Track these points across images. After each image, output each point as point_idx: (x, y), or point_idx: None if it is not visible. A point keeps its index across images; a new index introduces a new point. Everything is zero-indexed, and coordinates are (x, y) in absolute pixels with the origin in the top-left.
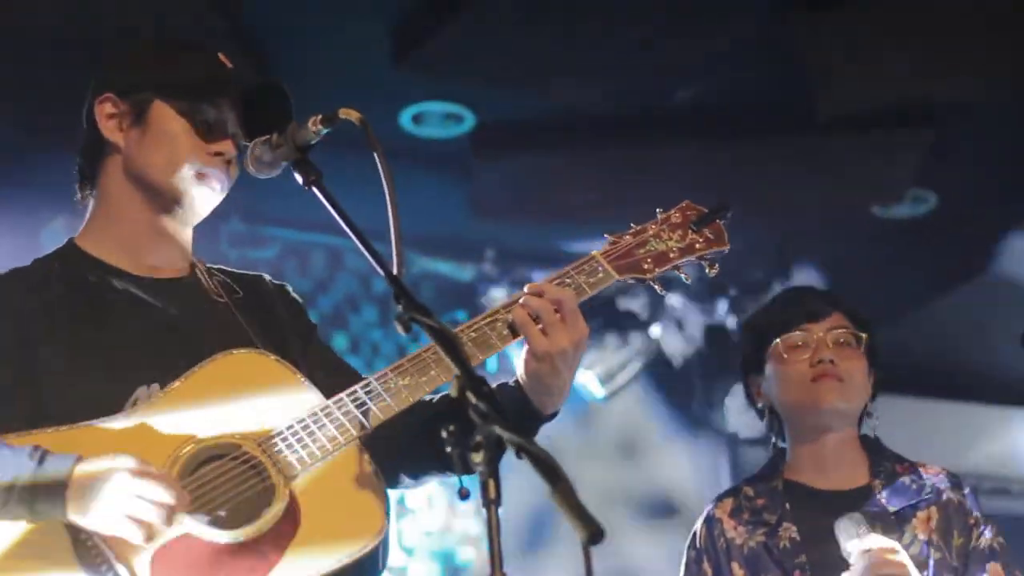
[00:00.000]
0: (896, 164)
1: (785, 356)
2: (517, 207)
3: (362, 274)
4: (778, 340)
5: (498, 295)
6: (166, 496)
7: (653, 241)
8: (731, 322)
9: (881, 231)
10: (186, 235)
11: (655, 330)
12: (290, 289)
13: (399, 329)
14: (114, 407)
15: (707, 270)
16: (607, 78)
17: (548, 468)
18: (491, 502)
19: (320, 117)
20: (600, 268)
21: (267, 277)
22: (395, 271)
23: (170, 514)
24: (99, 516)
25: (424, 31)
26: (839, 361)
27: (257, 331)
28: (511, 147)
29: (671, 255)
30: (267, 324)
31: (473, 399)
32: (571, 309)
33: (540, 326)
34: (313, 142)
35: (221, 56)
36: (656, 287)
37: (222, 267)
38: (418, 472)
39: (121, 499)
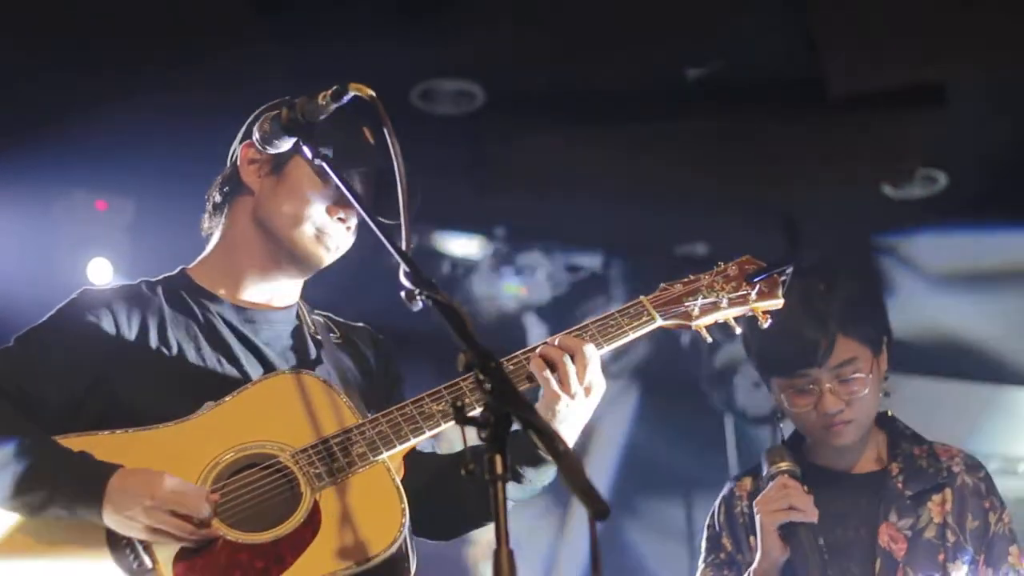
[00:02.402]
0: (906, 143)
1: (791, 403)
2: (527, 184)
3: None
4: (780, 382)
5: (507, 272)
6: (196, 510)
7: (704, 291)
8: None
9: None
10: (295, 283)
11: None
12: (386, 342)
13: (407, 303)
14: (179, 419)
15: (760, 321)
16: (620, 54)
17: (555, 444)
18: (497, 478)
19: (330, 92)
20: (645, 312)
21: (369, 328)
22: (404, 247)
23: (197, 529)
24: (131, 527)
25: (435, 7)
26: (848, 404)
27: (335, 367)
28: (522, 124)
29: (721, 305)
30: (349, 366)
31: (480, 374)
32: (586, 360)
33: (556, 375)
34: (322, 117)
35: (366, 131)
36: (703, 333)
37: (330, 315)
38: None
39: (153, 514)
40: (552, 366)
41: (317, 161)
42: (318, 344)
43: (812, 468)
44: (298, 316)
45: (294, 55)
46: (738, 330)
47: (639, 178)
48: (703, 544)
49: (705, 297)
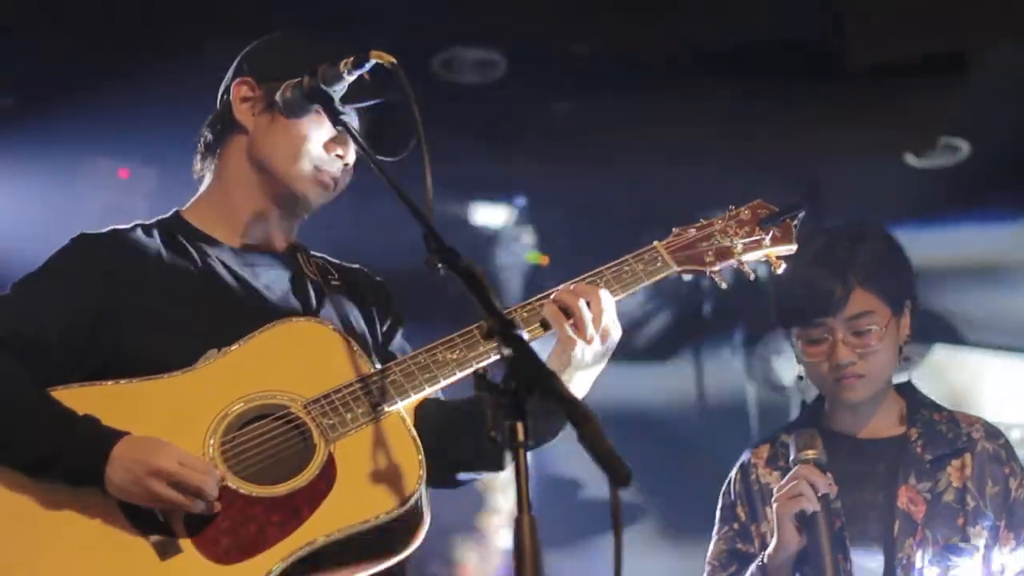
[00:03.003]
0: (929, 112)
1: (804, 352)
2: (548, 152)
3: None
4: (797, 331)
5: (528, 241)
6: (202, 486)
7: (718, 236)
8: (761, 270)
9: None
10: (291, 223)
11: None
12: (387, 285)
13: (430, 269)
14: (183, 366)
15: (772, 267)
16: (642, 22)
17: (577, 410)
18: (519, 445)
19: (351, 59)
20: (659, 258)
21: (367, 271)
22: (426, 214)
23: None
24: (134, 497)
25: None
26: (860, 357)
27: (337, 311)
28: (543, 92)
29: (735, 250)
30: (351, 309)
31: (502, 342)
32: (602, 306)
33: (571, 321)
34: (344, 85)
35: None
36: (718, 280)
37: (326, 256)
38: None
39: (157, 489)
40: (567, 312)
41: (339, 128)
42: (318, 287)
43: (831, 434)
44: (297, 259)
45: (319, 24)
46: (752, 276)
47: (662, 147)
48: (717, 515)
49: (719, 242)
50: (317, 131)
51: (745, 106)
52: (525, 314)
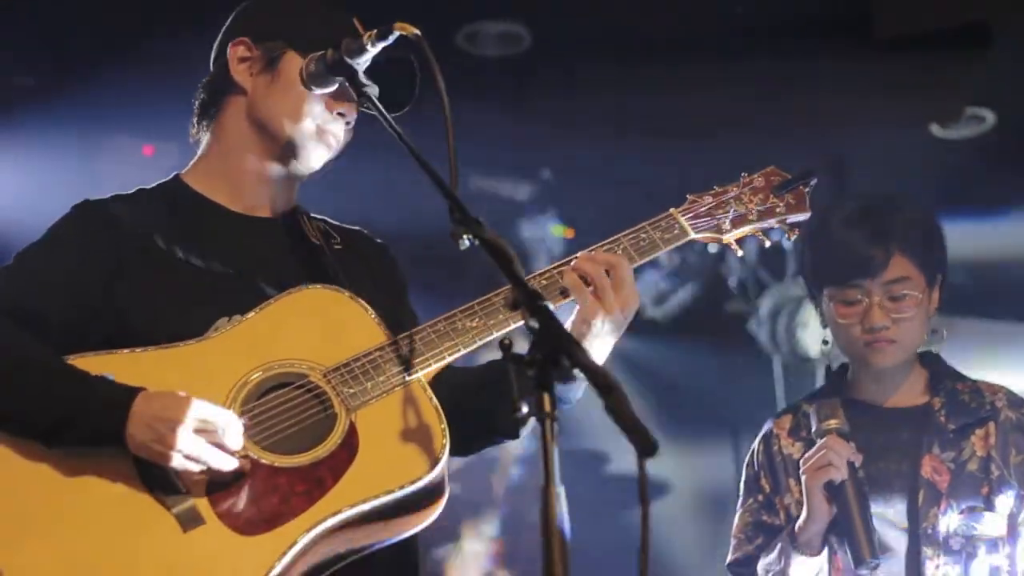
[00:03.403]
0: (954, 82)
1: (837, 313)
2: (574, 126)
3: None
4: (831, 291)
5: (553, 214)
6: (228, 434)
7: (734, 203)
8: (786, 242)
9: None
10: (292, 185)
11: (711, 249)
12: (389, 249)
13: (454, 241)
14: (194, 334)
15: (787, 235)
16: None
17: (602, 380)
18: (546, 416)
19: (375, 32)
20: (676, 225)
21: (367, 233)
22: (451, 185)
23: (231, 456)
24: (159, 454)
25: None
26: (894, 322)
27: (346, 276)
28: (568, 66)
29: (750, 217)
30: (358, 273)
31: (527, 313)
32: (622, 275)
33: (591, 289)
34: (367, 57)
35: (357, 21)
36: (733, 247)
37: (326, 218)
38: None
39: (184, 440)
40: (587, 280)
41: (363, 102)
42: (321, 251)
43: (854, 403)
44: (300, 222)
45: None
46: (768, 243)
47: (685, 120)
48: (741, 487)
49: (736, 210)
50: (318, 90)
51: (768, 77)
52: (544, 282)
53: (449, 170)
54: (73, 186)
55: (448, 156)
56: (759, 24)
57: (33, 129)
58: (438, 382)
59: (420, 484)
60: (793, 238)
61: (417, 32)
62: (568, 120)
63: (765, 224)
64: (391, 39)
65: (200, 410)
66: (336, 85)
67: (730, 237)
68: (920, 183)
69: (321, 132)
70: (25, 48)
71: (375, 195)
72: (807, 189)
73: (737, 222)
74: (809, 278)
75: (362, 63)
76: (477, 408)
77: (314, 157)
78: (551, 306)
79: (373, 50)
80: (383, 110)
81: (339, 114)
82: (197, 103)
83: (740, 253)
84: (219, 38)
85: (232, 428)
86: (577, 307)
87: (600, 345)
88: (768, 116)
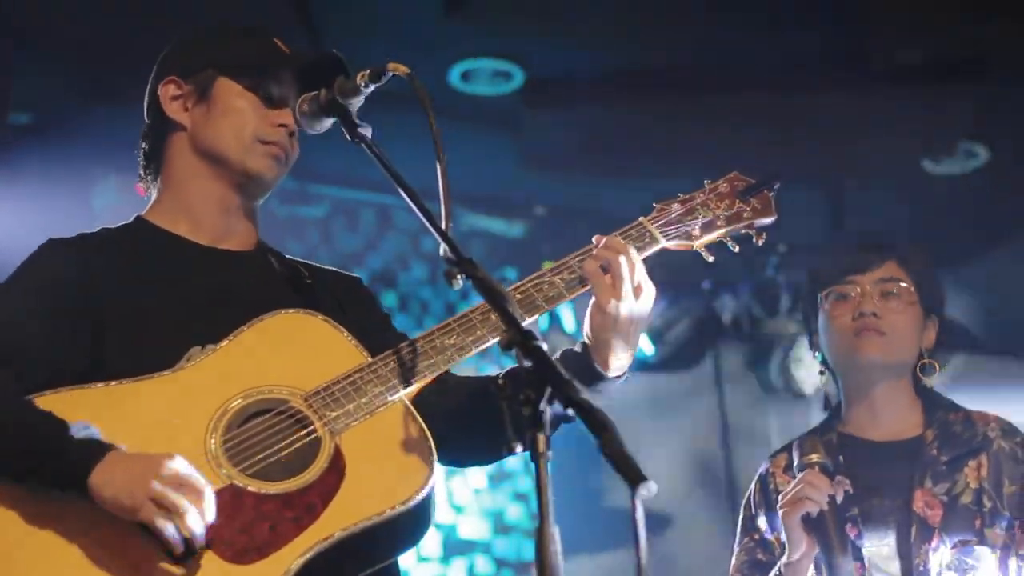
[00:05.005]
0: (947, 117)
1: (831, 308)
2: (567, 163)
3: (411, 232)
4: (826, 291)
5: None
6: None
7: (701, 209)
8: (781, 279)
9: (932, 185)
10: (252, 211)
11: (704, 287)
12: (363, 282)
13: (448, 282)
14: (168, 365)
15: (754, 239)
16: (658, 32)
17: (595, 418)
18: (540, 456)
19: (368, 72)
20: (647, 234)
21: (339, 271)
22: (444, 226)
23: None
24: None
25: None
26: (883, 314)
27: (318, 305)
28: (561, 103)
29: (718, 223)
30: (330, 304)
31: (521, 353)
32: (633, 262)
33: (609, 277)
34: (361, 98)
35: (277, 41)
36: (704, 254)
37: (298, 259)
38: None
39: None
40: (605, 267)
41: (356, 141)
42: (290, 282)
43: (848, 439)
44: (267, 257)
45: (335, 37)
46: (736, 248)
47: (678, 155)
48: (738, 526)
49: (703, 216)
50: (253, 107)
51: (761, 113)
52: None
53: (442, 209)
54: (66, 224)
55: (440, 195)
56: (752, 60)
57: (28, 168)
58: (446, 391)
59: (411, 504)
60: (760, 242)
61: (408, 71)
62: (562, 157)
63: (731, 229)
64: (384, 79)
65: (174, 467)
66: (328, 125)
67: (700, 243)
68: (912, 218)
69: (268, 147)
70: (19, 86)
71: None
72: (772, 193)
73: (706, 228)
74: (810, 283)
75: (355, 103)
76: (466, 433)
77: (266, 173)
78: (544, 346)
79: (366, 90)
80: (378, 151)
81: (280, 125)
82: (141, 155)
83: (710, 259)
84: (148, 88)
85: (206, 503)
86: (593, 298)
87: (621, 338)
88: (766, 151)
